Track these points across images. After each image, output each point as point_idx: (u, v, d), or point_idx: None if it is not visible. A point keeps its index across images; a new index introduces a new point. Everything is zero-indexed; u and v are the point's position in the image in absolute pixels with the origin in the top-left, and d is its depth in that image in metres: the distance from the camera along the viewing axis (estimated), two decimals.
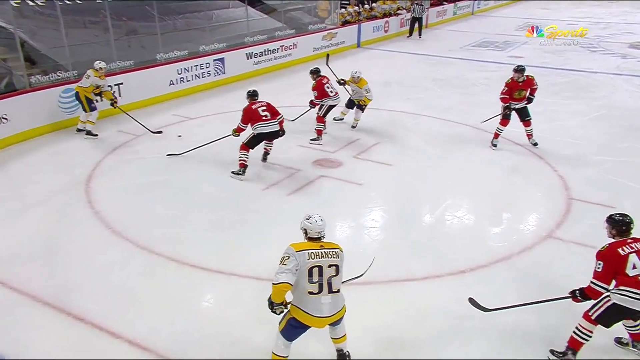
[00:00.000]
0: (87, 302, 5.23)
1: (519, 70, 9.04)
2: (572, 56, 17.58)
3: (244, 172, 8.03)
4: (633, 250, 4.25)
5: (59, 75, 10.26)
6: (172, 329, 4.93)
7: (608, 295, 4.26)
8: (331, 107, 9.66)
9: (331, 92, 9.55)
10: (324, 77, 9.70)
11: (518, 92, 9.09)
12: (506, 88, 9.19)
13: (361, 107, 9.93)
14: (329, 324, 4.22)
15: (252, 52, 14.22)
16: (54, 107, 9.86)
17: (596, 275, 4.28)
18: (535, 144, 9.41)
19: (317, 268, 3.99)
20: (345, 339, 4.43)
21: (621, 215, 4.51)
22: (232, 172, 8.04)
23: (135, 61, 11.75)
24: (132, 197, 7.50)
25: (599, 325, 4.36)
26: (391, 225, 7.10)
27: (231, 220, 6.93)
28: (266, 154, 8.54)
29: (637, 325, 4.55)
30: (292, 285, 3.92)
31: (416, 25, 20.34)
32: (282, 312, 4.11)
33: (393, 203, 7.57)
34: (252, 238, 6.49)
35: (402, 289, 5.58)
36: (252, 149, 8.11)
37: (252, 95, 8.22)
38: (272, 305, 4.06)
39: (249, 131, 7.99)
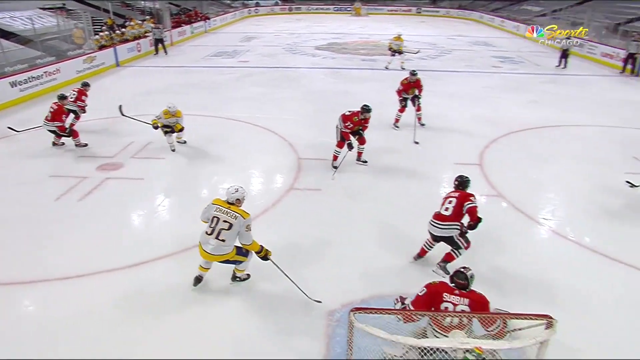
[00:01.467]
0: None
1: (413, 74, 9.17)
2: (282, 58, 18.27)
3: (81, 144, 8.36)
4: (446, 195, 4.89)
5: None
6: None
7: None
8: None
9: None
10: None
11: (412, 90, 9.20)
12: (401, 86, 9.26)
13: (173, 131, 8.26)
14: (207, 260, 4.51)
15: (16, 80, 11.62)
16: None
17: None
18: (423, 124, 9.48)
19: (216, 218, 4.32)
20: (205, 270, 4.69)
21: (459, 175, 4.98)
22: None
23: None
24: None
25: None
26: (175, 207, 6.63)
27: (29, 234, 5.74)
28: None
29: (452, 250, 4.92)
30: (205, 221, 4.47)
31: (160, 44, 18.81)
32: None
33: (173, 190, 7.05)
34: (54, 246, 5.49)
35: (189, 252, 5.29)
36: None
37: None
38: None
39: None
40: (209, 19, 27.12)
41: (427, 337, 3.30)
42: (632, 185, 6.88)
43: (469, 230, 4.74)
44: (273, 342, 4.07)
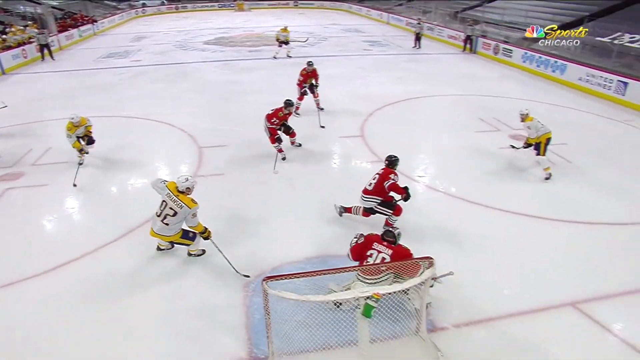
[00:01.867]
0: None
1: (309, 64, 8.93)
2: (173, 54, 17.06)
3: None
4: (376, 173, 5.00)
5: None
6: None
7: None
8: None
9: None
10: None
11: (309, 79, 8.87)
12: (301, 77, 8.91)
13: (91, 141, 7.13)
14: (155, 238, 4.45)
15: None
16: None
17: None
18: (322, 109, 9.07)
19: (164, 202, 4.27)
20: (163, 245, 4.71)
21: (389, 155, 5.03)
22: None
23: None
24: None
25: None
26: (85, 206, 5.94)
27: None
28: None
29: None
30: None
31: (46, 49, 16.32)
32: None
33: (80, 191, 6.29)
34: None
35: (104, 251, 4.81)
36: None
37: None
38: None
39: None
40: (96, 21, 24.36)
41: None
42: (514, 148, 7.37)
43: (403, 202, 4.92)
44: (200, 316, 3.95)
